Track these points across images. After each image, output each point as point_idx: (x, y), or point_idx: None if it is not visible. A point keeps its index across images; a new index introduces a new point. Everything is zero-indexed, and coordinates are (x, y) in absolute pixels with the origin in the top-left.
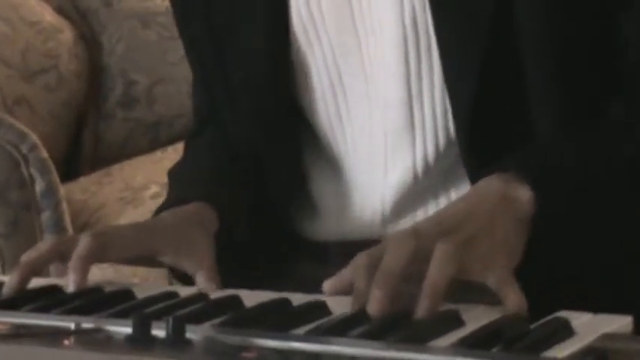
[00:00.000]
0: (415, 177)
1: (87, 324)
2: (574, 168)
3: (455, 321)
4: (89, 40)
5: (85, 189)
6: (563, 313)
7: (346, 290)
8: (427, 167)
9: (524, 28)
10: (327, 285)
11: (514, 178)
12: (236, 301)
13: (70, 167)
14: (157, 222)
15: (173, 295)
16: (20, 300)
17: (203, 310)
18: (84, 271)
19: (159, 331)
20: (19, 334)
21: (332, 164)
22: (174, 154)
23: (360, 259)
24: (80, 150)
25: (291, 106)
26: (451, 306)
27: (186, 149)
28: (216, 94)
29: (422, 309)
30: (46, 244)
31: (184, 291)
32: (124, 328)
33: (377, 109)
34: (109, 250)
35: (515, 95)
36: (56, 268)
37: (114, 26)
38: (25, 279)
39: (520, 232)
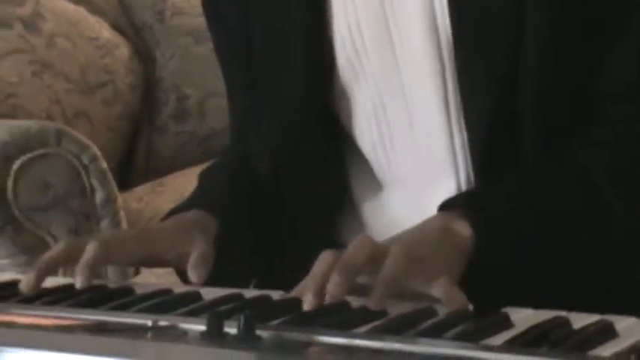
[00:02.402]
0: None
1: (163, 321)
2: (519, 211)
3: (504, 322)
4: (144, 55)
5: (139, 198)
6: (608, 317)
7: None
8: None
9: (528, 82)
10: (296, 292)
11: (458, 215)
12: (299, 302)
13: (123, 178)
14: (157, 228)
15: (238, 296)
16: (96, 299)
17: (269, 309)
18: (88, 275)
19: (230, 329)
20: (102, 328)
21: (378, 187)
22: None
23: (326, 255)
24: (133, 161)
25: (336, 132)
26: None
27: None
28: (252, 116)
29: (372, 298)
30: (59, 246)
31: (249, 293)
32: (197, 326)
33: (419, 136)
34: (113, 256)
35: (518, 142)
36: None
37: (167, 42)
38: (40, 278)
39: (459, 261)
